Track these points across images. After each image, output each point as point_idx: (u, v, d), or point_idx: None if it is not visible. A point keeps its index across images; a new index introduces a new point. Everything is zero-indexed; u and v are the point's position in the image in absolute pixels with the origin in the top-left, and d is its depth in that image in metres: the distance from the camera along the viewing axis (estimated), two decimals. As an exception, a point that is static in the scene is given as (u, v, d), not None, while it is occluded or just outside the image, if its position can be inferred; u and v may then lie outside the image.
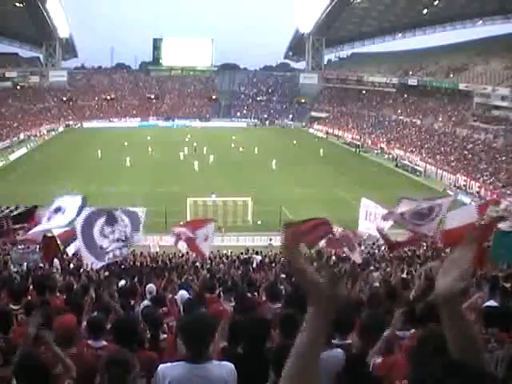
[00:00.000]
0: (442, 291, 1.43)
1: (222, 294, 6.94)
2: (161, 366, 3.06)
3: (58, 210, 7.84)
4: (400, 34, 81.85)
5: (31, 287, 7.47)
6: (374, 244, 21.12)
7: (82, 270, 12.84)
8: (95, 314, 4.86)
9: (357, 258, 9.81)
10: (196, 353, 2.97)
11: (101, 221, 7.91)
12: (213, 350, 3.46)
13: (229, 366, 3.08)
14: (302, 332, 1.39)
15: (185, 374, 2.94)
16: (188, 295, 7.03)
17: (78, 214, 7.83)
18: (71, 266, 15.18)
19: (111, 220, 8.15)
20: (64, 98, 78.36)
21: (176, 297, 7.61)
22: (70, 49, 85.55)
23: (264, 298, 6.62)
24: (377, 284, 9.28)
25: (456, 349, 1.42)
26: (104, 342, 4.16)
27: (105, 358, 3.33)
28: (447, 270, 1.47)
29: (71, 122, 73.97)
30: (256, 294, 8.11)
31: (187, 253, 21.03)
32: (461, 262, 1.46)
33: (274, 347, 3.16)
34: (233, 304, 6.51)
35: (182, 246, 11.40)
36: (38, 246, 10.19)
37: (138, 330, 4.42)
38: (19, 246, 10.48)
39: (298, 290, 5.57)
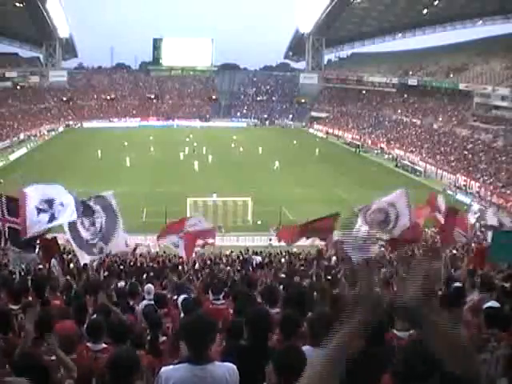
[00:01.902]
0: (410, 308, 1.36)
1: (210, 293, 6.88)
2: (163, 369, 3.05)
3: (51, 202, 7.64)
4: (400, 34, 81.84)
5: (31, 288, 7.46)
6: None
7: (81, 270, 12.85)
8: (94, 316, 4.85)
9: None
10: (198, 354, 2.97)
11: (79, 213, 7.86)
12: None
13: (231, 366, 3.07)
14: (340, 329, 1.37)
15: (188, 375, 2.93)
16: (190, 298, 7.02)
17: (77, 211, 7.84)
18: (71, 266, 15.18)
19: (88, 211, 8.12)
20: (64, 98, 78.35)
21: (175, 297, 7.60)
22: (70, 49, 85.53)
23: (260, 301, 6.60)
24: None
25: (440, 353, 1.36)
26: (103, 345, 4.15)
27: (110, 356, 3.32)
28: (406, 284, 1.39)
29: (71, 122, 73.97)
30: (255, 294, 8.09)
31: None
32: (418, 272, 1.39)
33: (277, 349, 3.14)
34: (222, 301, 6.50)
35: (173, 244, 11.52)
36: (35, 245, 10.17)
37: (133, 331, 4.41)
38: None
39: (296, 291, 5.56)
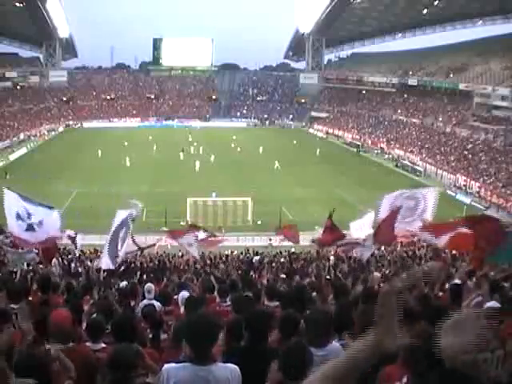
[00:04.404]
0: (444, 354, 1.27)
1: (217, 295, 6.94)
2: (166, 366, 3.04)
3: (29, 215, 8.71)
4: (400, 34, 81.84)
5: (34, 287, 7.47)
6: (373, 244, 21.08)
7: (81, 270, 12.85)
8: (94, 315, 4.85)
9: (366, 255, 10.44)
10: (200, 354, 2.96)
11: (127, 224, 8.63)
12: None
13: (233, 367, 3.05)
14: (352, 347, 1.32)
15: (190, 375, 2.92)
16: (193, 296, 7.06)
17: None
18: (71, 266, 15.19)
19: (127, 226, 8.81)
20: (64, 98, 78.33)
21: (175, 297, 7.61)
22: (70, 49, 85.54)
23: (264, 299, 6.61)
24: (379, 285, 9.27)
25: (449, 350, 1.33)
26: (103, 344, 4.14)
27: (107, 356, 3.32)
28: (453, 328, 1.28)
29: (71, 122, 73.95)
30: (255, 294, 8.08)
31: (187, 253, 21.06)
32: (474, 332, 1.26)
33: (284, 347, 3.12)
34: (229, 304, 6.51)
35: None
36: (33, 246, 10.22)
37: (136, 328, 4.41)
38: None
39: (296, 292, 5.57)
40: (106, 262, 9.04)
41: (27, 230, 8.60)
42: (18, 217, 8.56)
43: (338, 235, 10.90)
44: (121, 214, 9.11)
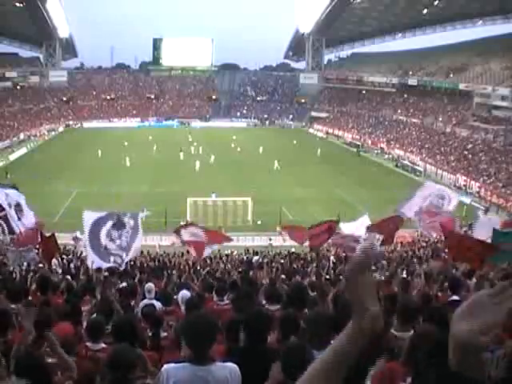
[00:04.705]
0: (459, 340, 1.19)
1: (215, 294, 6.94)
2: (165, 366, 3.04)
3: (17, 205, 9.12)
4: (400, 34, 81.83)
5: (33, 287, 7.48)
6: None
7: (81, 270, 12.84)
8: (95, 315, 4.86)
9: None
10: (200, 354, 2.96)
11: (109, 224, 8.58)
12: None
13: (233, 366, 3.06)
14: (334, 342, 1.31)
15: (189, 375, 2.93)
16: (189, 295, 7.05)
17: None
18: (71, 265, 15.19)
19: (119, 225, 8.74)
20: (64, 98, 78.29)
21: (175, 296, 7.62)
22: (69, 49, 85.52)
23: (264, 301, 6.63)
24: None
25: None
26: (103, 345, 4.14)
27: (107, 356, 3.32)
28: (467, 313, 1.20)
29: (71, 122, 73.93)
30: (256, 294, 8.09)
31: (188, 252, 21.07)
32: (490, 311, 1.17)
33: (285, 348, 3.11)
34: (226, 302, 6.51)
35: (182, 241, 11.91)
36: (34, 245, 10.24)
37: (137, 329, 4.41)
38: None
39: (296, 290, 5.57)
40: (96, 262, 9.07)
41: (18, 219, 8.81)
42: (7, 205, 8.75)
43: (330, 234, 11.12)
44: (89, 215, 9.10)
